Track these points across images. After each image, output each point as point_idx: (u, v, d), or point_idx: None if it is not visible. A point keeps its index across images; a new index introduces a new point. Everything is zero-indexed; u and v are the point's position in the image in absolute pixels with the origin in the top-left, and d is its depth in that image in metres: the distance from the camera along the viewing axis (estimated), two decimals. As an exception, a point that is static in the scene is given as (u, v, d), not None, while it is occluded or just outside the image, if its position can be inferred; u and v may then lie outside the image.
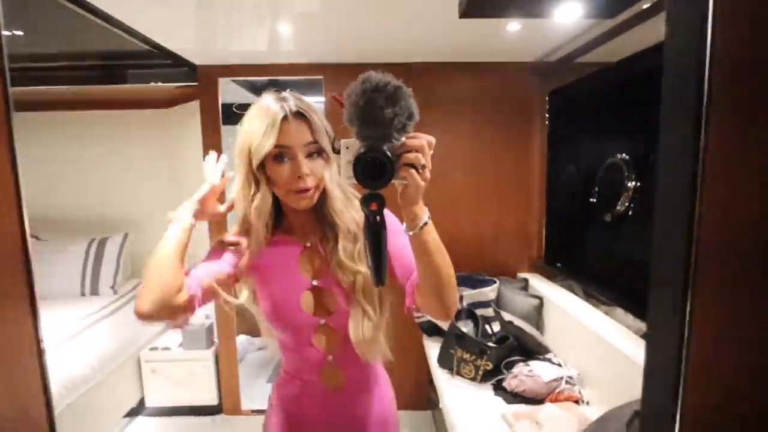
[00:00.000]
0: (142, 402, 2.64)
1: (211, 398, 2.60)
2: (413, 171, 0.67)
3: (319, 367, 0.97)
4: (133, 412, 2.62)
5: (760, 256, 0.42)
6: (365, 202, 0.69)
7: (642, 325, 1.60)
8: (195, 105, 2.49)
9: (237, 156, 0.89)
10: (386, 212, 0.73)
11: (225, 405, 2.64)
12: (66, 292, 2.64)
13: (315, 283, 0.95)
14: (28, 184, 0.45)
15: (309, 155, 0.87)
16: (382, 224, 0.70)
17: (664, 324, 0.46)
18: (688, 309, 0.44)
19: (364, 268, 0.90)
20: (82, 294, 2.67)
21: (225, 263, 0.91)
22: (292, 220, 0.97)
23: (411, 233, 0.74)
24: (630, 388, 1.40)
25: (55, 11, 1.58)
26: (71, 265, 2.68)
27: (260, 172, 0.87)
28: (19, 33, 2.07)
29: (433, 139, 0.69)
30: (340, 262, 0.92)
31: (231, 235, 0.94)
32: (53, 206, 2.92)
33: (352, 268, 0.91)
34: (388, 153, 0.66)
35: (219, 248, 0.93)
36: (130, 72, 2.53)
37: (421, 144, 0.68)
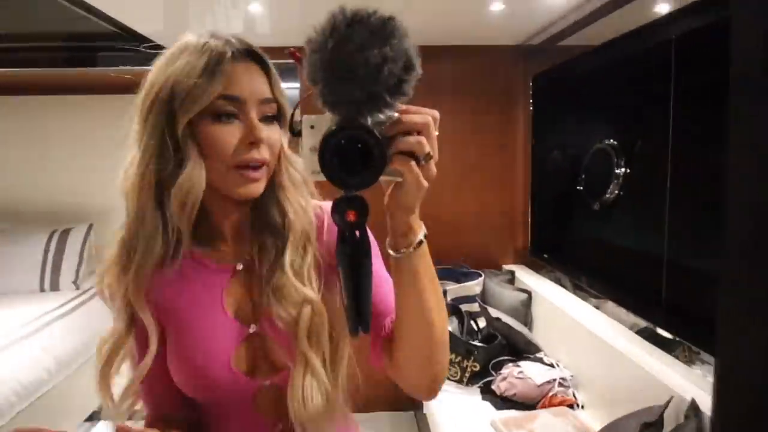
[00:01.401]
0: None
1: (179, 401, 2.46)
2: (412, 163, 0.46)
3: None
4: (93, 417, 2.46)
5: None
6: (338, 209, 0.47)
7: (636, 320, 1.52)
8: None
9: (140, 114, 0.61)
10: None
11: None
12: (24, 287, 2.46)
13: (252, 329, 0.65)
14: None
15: (264, 118, 0.61)
16: (362, 242, 0.49)
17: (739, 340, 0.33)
18: None
19: (313, 294, 0.63)
20: (42, 289, 2.49)
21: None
22: (221, 225, 0.66)
23: (397, 255, 0.52)
24: (627, 390, 1.31)
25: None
26: (30, 258, 2.50)
27: (187, 136, 0.59)
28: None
29: (437, 114, 0.49)
30: (281, 284, 0.63)
31: (105, 271, 0.65)
32: (12, 195, 2.75)
33: (297, 293, 0.62)
34: (376, 131, 0.44)
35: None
36: (95, 55, 2.40)
37: (424, 121, 0.47)
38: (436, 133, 0.49)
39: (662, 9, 1.66)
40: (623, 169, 1.65)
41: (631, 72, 1.60)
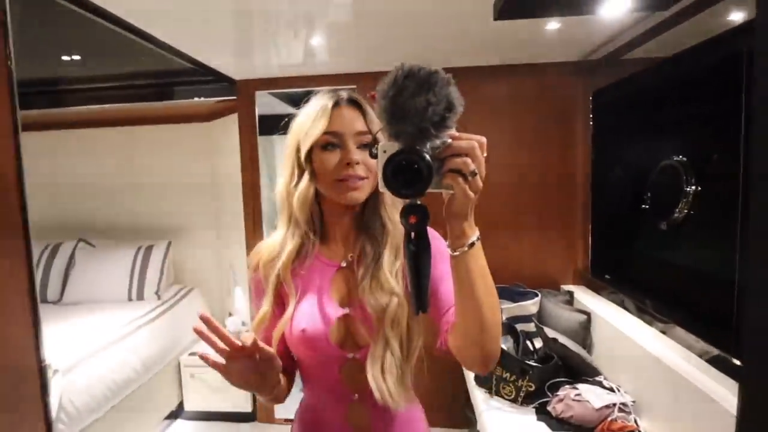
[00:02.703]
0: (181, 405, 2.71)
1: (245, 405, 2.63)
2: (460, 179, 0.59)
3: (346, 404, 0.88)
4: (173, 415, 2.69)
5: None
6: (404, 214, 0.62)
7: (706, 347, 1.43)
8: (234, 117, 2.57)
9: (286, 150, 0.87)
10: (430, 231, 0.66)
11: (258, 412, 2.65)
12: (114, 296, 2.77)
13: (346, 310, 0.85)
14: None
15: (361, 146, 0.83)
16: (422, 240, 0.62)
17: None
18: None
19: (399, 289, 0.83)
20: (129, 298, 2.78)
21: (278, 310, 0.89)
22: (333, 229, 0.90)
23: (455, 254, 0.65)
24: (695, 420, 1.25)
25: (109, 36, 1.67)
26: (120, 270, 2.82)
27: (307, 162, 0.84)
28: (77, 57, 2.22)
29: (483, 140, 0.60)
30: (377, 277, 0.83)
31: (276, 236, 0.91)
32: (106, 214, 3.11)
33: (388, 286, 0.83)
34: (426, 154, 0.58)
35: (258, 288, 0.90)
36: (176, 89, 2.67)
37: (470, 146, 0.59)
38: (484, 155, 0.60)
39: (736, 17, 1.56)
40: (694, 187, 1.57)
41: (704, 84, 1.53)
